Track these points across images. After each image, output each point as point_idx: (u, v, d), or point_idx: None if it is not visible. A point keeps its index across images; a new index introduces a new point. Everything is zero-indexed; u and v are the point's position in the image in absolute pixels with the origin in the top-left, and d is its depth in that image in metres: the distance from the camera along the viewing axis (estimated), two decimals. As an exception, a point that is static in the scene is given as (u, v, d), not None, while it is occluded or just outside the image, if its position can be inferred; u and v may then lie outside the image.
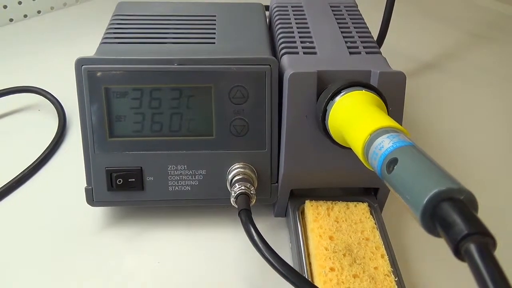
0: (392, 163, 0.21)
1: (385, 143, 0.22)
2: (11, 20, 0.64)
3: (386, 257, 0.30)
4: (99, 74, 0.31)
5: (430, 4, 0.75)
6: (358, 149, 0.24)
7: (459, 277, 0.27)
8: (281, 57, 0.34)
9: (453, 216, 0.16)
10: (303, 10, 0.40)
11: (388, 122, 0.24)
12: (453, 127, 0.48)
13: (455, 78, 0.56)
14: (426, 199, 0.18)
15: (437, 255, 0.33)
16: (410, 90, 0.51)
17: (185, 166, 0.33)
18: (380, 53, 0.34)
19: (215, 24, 0.38)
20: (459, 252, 0.16)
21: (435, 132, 0.47)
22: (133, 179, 0.33)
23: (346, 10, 0.40)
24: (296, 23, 0.38)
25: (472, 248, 0.15)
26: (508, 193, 0.40)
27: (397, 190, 0.20)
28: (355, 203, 0.34)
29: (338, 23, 0.38)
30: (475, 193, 0.18)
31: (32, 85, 0.47)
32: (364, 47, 0.34)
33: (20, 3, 0.64)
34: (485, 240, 0.16)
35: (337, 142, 0.29)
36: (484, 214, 0.18)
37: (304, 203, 0.34)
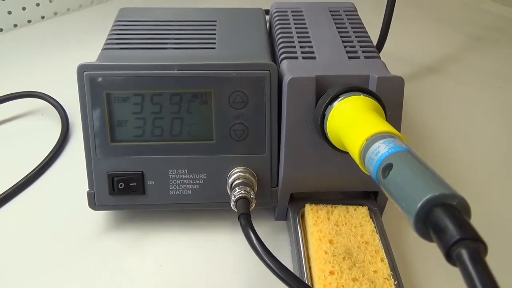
0: (387, 168, 0.21)
1: (381, 149, 0.22)
2: (15, 25, 0.65)
3: (385, 260, 0.30)
4: (100, 80, 0.31)
5: (430, 7, 0.75)
6: (355, 154, 0.25)
7: (458, 281, 0.27)
8: (280, 62, 0.34)
9: (445, 222, 0.17)
10: (302, 15, 0.40)
11: (385, 127, 0.24)
12: (452, 131, 0.48)
13: (455, 81, 0.56)
14: (419, 205, 0.18)
15: (436, 259, 0.33)
16: (410, 93, 0.52)
17: (186, 170, 0.33)
18: (379, 57, 0.34)
19: (215, 30, 0.38)
20: (451, 257, 0.16)
21: (434, 136, 0.47)
22: (135, 183, 0.33)
23: (346, 15, 0.41)
24: (296, 28, 0.38)
25: (464, 253, 0.16)
26: (502, 198, 0.40)
27: (392, 195, 0.20)
28: (354, 206, 0.34)
29: (337, 27, 0.38)
30: (469, 198, 0.18)
31: (35, 90, 0.48)
32: (363, 52, 0.35)
33: (24, 8, 0.65)
34: (476, 246, 0.16)
35: (335, 147, 0.29)
36: (477, 220, 0.18)
37: (304, 206, 0.34)
